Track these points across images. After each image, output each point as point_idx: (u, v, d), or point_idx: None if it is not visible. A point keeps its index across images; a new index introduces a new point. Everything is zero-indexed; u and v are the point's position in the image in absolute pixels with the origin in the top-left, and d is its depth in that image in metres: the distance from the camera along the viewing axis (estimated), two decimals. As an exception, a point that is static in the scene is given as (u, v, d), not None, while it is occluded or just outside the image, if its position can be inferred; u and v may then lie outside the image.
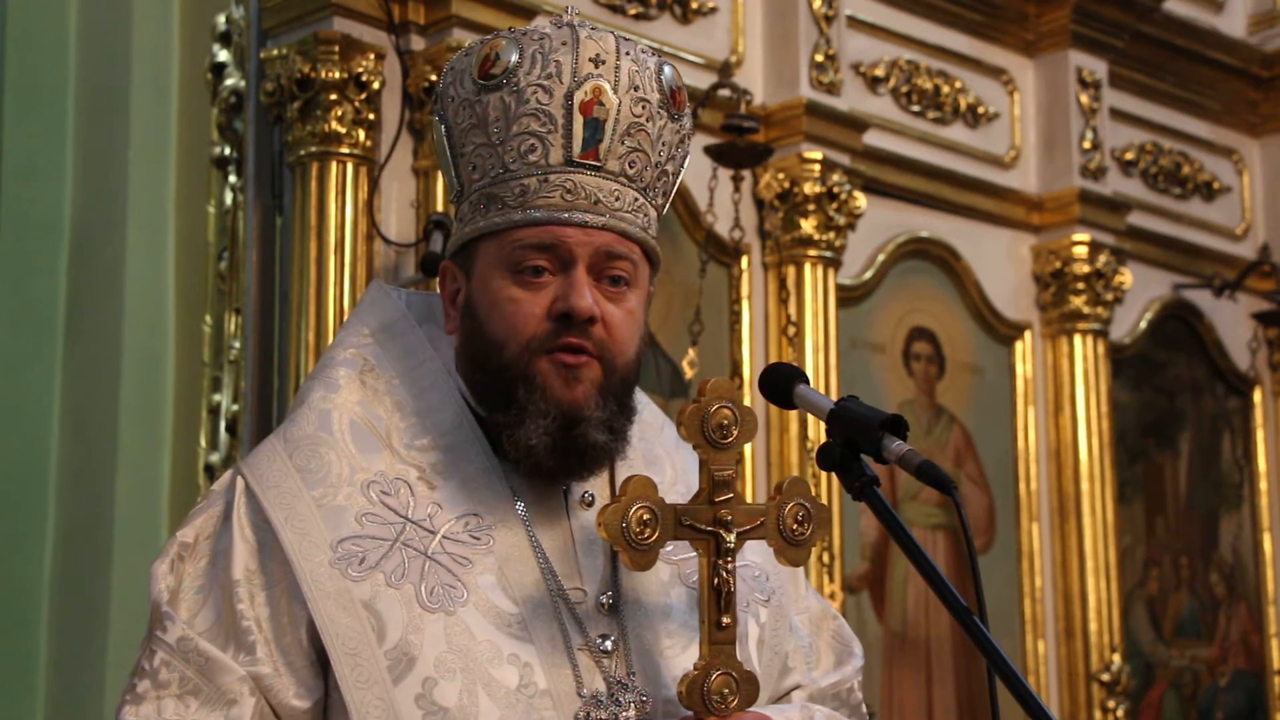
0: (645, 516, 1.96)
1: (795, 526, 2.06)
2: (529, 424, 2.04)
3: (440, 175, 4.35)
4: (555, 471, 2.08)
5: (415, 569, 2.01)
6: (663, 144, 2.14)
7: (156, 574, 2.05)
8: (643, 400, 2.25)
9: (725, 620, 1.98)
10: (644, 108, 2.10)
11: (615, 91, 2.07)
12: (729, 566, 2.00)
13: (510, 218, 2.06)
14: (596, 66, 2.07)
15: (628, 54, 2.10)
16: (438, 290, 2.24)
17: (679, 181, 2.23)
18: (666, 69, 2.15)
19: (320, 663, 2.01)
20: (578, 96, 2.06)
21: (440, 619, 1.99)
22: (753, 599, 2.20)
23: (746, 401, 3.37)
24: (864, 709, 2.40)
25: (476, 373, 2.11)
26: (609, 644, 2.06)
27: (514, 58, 2.07)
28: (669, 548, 2.04)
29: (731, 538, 1.99)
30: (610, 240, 2.07)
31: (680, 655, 2.10)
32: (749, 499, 2.86)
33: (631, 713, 2.03)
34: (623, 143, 2.08)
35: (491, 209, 2.08)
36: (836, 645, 2.39)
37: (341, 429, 2.11)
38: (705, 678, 1.98)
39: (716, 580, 1.99)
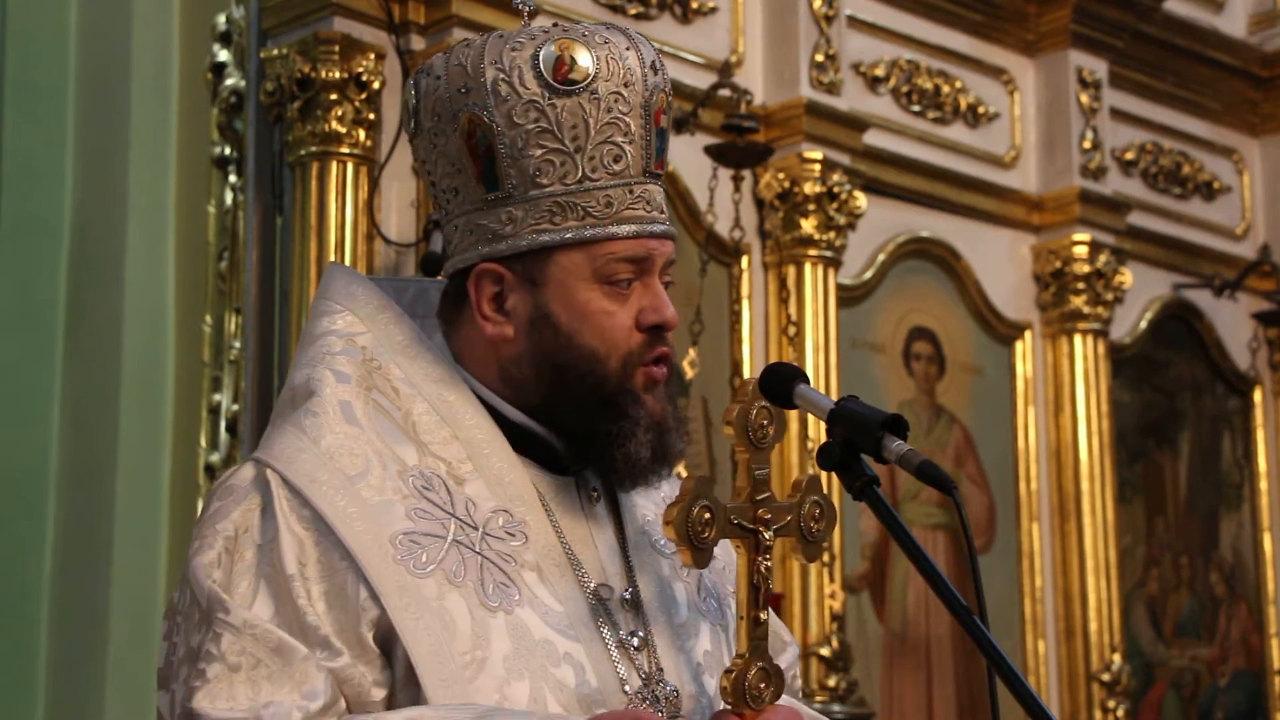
0: (706, 516, 1.98)
1: (814, 524, 2.08)
2: (639, 436, 2.06)
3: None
4: (651, 478, 2.11)
5: (473, 566, 1.98)
6: None
7: (200, 566, 1.95)
8: None
9: (762, 616, 2.01)
10: (669, 109, 2.14)
11: (668, 98, 2.11)
12: (768, 563, 2.02)
13: (606, 230, 2.06)
14: (655, 73, 2.08)
15: (656, 57, 2.13)
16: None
17: None
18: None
19: (383, 657, 1.96)
20: (652, 105, 2.07)
21: (501, 618, 1.97)
22: (725, 591, 2.23)
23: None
24: (801, 695, 2.42)
25: (573, 385, 2.07)
26: (637, 640, 2.07)
27: (589, 62, 2.04)
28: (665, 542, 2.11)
29: (770, 535, 2.02)
30: (671, 248, 2.14)
31: (694, 649, 2.11)
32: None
33: (664, 706, 2.04)
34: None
35: (571, 217, 2.06)
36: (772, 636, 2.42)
37: (368, 420, 2.05)
38: (745, 673, 1.98)
39: (755, 577, 2.00)
